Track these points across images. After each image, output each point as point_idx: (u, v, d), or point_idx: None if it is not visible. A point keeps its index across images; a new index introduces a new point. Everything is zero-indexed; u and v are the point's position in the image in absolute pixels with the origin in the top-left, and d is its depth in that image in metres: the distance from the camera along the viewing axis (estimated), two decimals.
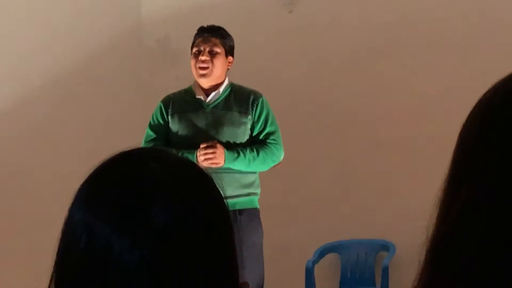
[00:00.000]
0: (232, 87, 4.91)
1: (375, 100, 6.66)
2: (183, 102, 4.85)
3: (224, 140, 4.73)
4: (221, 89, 4.85)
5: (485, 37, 6.35)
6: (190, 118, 4.79)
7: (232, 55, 4.91)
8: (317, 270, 6.50)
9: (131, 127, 6.74)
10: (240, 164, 4.75)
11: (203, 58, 4.76)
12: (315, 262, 6.49)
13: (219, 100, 4.84)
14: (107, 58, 6.93)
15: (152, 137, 4.88)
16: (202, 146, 4.63)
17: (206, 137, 4.70)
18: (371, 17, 6.78)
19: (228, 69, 4.90)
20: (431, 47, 6.54)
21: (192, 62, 4.82)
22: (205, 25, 4.96)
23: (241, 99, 4.86)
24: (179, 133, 4.80)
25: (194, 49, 4.84)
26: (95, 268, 1.12)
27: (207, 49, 4.79)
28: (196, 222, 1.15)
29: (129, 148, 1.23)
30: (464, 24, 6.46)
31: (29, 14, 6.25)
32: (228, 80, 4.92)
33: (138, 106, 6.95)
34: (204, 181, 1.22)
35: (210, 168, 4.60)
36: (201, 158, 4.61)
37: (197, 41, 4.85)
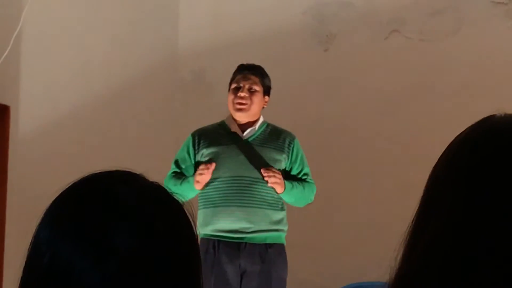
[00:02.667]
0: (267, 125, 4.96)
1: (407, 143, 6.65)
2: (217, 135, 4.87)
3: (260, 176, 4.75)
4: (257, 125, 4.89)
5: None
6: (225, 151, 4.80)
7: (269, 95, 4.95)
8: None
9: (163, 157, 6.78)
10: (293, 194, 4.83)
11: (242, 94, 4.80)
12: None
13: (254, 136, 4.87)
14: (142, 87, 6.99)
15: (176, 171, 4.90)
16: (264, 170, 4.69)
17: (241, 171, 4.73)
18: (407, 59, 6.79)
19: (263, 107, 4.93)
20: (462, 93, 6.53)
21: (230, 97, 4.85)
22: (245, 63, 5.00)
23: (276, 137, 4.90)
24: (215, 165, 4.77)
25: (233, 85, 4.87)
26: (57, 286, 1.11)
27: (247, 86, 4.83)
28: (160, 246, 1.14)
29: (102, 171, 1.23)
30: (493, 69, 6.45)
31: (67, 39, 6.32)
32: (263, 118, 4.96)
33: (171, 136, 7.00)
34: (172, 206, 1.21)
35: (246, 203, 4.69)
36: (270, 179, 4.66)
37: (236, 78, 4.89)
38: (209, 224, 4.73)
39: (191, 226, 1.21)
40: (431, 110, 6.63)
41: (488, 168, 0.97)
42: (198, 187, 4.71)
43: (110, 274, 1.10)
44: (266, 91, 4.92)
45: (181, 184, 4.75)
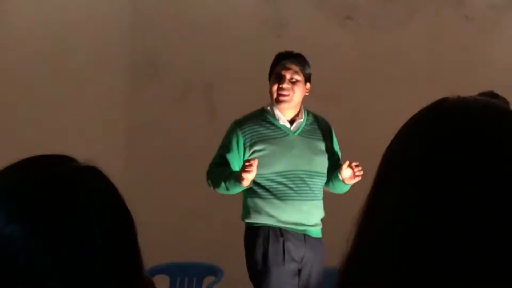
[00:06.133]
0: (308, 114, 4.94)
1: (356, 129, 6.68)
2: (265, 129, 4.81)
3: (316, 168, 4.78)
4: (303, 116, 4.86)
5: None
6: (278, 145, 4.76)
7: (310, 82, 4.88)
8: None
9: (114, 139, 6.75)
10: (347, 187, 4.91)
11: (284, 86, 4.74)
12: None
13: (302, 128, 4.85)
14: (93, 69, 6.93)
15: (220, 162, 4.84)
16: (355, 164, 4.69)
17: (297, 165, 4.71)
18: (359, 46, 6.81)
19: (305, 95, 4.87)
20: (413, 80, 6.57)
21: (273, 88, 4.79)
22: (283, 51, 4.93)
23: (319, 127, 4.90)
24: (269, 159, 4.74)
25: (274, 75, 4.81)
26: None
27: (288, 76, 4.77)
28: (110, 225, 1.14)
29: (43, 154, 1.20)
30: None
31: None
32: (303, 106, 4.92)
33: (122, 119, 6.95)
34: (112, 185, 1.20)
35: (305, 196, 4.72)
36: (359, 173, 4.67)
37: (276, 68, 4.83)
38: (271, 216, 4.73)
39: (124, 202, 1.20)
40: (382, 97, 6.66)
41: (442, 149, 0.97)
42: (246, 184, 4.61)
43: (63, 256, 1.08)
44: (307, 79, 4.85)
45: (225, 181, 4.70)
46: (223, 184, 4.72)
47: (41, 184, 1.14)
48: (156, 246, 6.49)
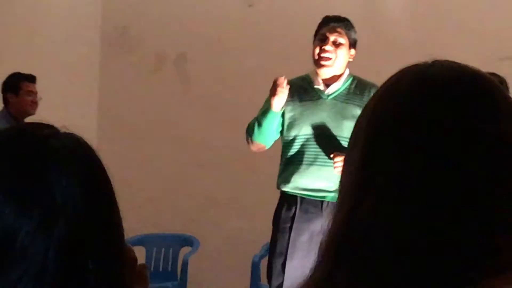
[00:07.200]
0: (353, 79, 4.73)
1: None
2: (302, 89, 4.69)
3: (344, 133, 4.58)
4: (342, 80, 4.67)
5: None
6: (308, 107, 4.64)
7: (355, 48, 4.71)
8: (264, 265, 6.52)
9: (85, 113, 6.72)
10: None
11: (327, 48, 4.58)
12: (262, 256, 6.51)
13: (338, 92, 4.66)
14: (64, 43, 6.88)
15: None
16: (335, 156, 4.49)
17: (324, 129, 4.59)
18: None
19: (349, 61, 4.71)
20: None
21: (315, 49, 4.64)
22: (330, 15, 4.75)
23: (361, 92, 4.67)
24: (296, 121, 4.65)
25: (318, 37, 4.65)
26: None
27: (332, 38, 4.61)
28: (100, 202, 1.13)
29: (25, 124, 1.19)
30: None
31: None
32: (349, 71, 4.74)
33: (93, 92, 6.92)
34: (95, 156, 1.18)
35: (327, 162, 4.54)
36: (337, 169, 4.46)
37: (322, 29, 4.65)
38: (289, 182, 4.63)
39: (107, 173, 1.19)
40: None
41: (436, 118, 0.93)
42: (276, 104, 4.53)
43: (57, 237, 1.07)
44: (352, 44, 4.67)
45: (257, 118, 4.65)
46: (255, 124, 4.66)
47: (13, 149, 1.13)
48: (130, 217, 6.47)
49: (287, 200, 4.67)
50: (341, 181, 1.00)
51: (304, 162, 4.61)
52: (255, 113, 7.09)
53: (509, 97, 0.98)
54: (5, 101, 5.76)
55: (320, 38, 4.62)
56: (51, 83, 6.63)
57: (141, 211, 6.70)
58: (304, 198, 4.59)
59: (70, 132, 1.20)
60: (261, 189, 6.90)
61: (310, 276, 0.97)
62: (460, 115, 0.93)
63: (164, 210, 7.03)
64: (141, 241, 6.58)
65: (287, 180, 4.65)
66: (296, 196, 4.63)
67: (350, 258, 0.93)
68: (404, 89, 0.98)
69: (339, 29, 4.62)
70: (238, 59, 6.97)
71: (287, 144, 4.68)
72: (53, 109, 6.46)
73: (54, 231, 1.07)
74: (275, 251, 4.70)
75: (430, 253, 0.88)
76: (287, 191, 4.67)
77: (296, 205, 4.62)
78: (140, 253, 6.26)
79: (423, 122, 0.93)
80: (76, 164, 1.13)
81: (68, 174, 1.11)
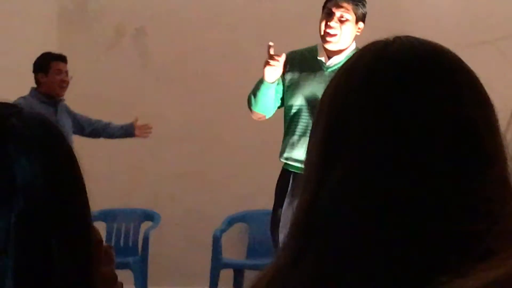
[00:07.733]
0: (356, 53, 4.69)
1: None
2: (304, 60, 4.71)
3: None
4: (345, 54, 4.65)
5: None
6: (306, 78, 4.66)
7: (364, 21, 4.68)
8: (225, 239, 6.54)
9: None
10: None
11: (332, 24, 4.57)
12: (223, 231, 6.53)
13: (339, 64, 4.59)
14: (21, 16, 6.79)
15: None
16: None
17: (318, 101, 4.52)
18: None
19: (357, 35, 4.68)
20: None
21: (321, 24, 4.62)
22: None
23: None
24: (292, 90, 4.67)
25: (325, 10, 4.63)
26: None
27: (337, 14, 4.59)
28: (60, 179, 1.12)
29: None
30: None
31: None
32: (356, 45, 4.70)
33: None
34: (60, 137, 1.17)
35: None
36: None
37: (328, 4, 4.64)
38: (284, 152, 4.64)
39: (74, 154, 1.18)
40: None
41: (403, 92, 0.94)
42: (268, 77, 4.55)
43: (16, 214, 1.06)
44: (360, 18, 4.65)
45: (253, 89, 4.65)
46: (252, 95, 4.67)
47: None
48: (91, 192, 6.43)
49: (283, 173, 4.69)
50: (306, 158, 1.00)
51: (296, 133, 4.64)
52: (214, 85, 7.12)
53: (471, 71, 0.98)
54: (37, 81, 5.95)
55: (327, 12, 4.62)
56: (8, 60, 6.56)
57: (99, 186, 6.67)
58: (296, 173, 4.56)
59: (36, 112, 1.19)
60: (222, 162, 6.91)
61: (274, 263, 0.96)
62: (420, 94, 0.93)
63: (125, 185, 7.01)
64: (102, 216, 6.57)
65: (283, 150, 4.69)
66: (291, 171, 4.63)
67: (316, 242, 0.92)
68: (365, 67, 0.98)
69: (345, 4, 4.61)
70: (198, 32, 6.94)
71: (285, 113, 4.72)
72: (11, 86, 6.40)
73: (13, 207, 1.06)
74: (275, 220, 4.69)
75: (399, 229, 0.88)
76: (284, 162, 4.70)
77: (290, 180, 4.62)
78: (101, 228, 6.22)
79: (383, 101, 0.93)
80: (38, 144, 1.12)
81: (28, 153, 1.10)
